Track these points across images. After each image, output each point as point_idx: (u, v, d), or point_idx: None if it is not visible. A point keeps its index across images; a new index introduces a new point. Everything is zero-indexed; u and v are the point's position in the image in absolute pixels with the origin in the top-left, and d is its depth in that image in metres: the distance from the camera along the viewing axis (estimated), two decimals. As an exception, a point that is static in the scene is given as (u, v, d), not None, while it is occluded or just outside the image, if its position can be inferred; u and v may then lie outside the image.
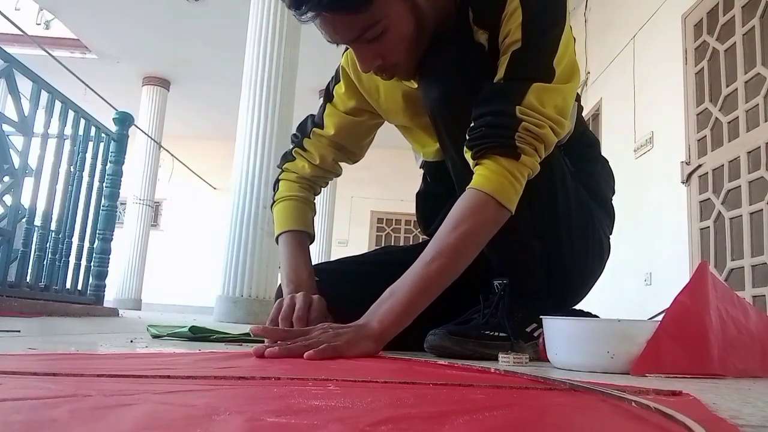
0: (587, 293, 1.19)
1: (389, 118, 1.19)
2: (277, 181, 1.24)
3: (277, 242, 1.18)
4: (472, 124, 0.91)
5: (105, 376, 0.49)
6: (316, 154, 1.19)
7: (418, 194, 1.32)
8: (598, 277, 1.18)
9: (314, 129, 1.20)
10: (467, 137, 0.91)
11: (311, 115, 1.23)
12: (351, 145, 1.21)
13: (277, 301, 1.03)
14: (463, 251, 0.89)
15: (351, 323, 0.87)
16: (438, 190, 1.26)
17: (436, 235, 0.90)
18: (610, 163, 1.23)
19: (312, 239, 1.19)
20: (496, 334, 1.00)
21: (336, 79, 1.19)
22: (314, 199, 1.23)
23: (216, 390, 0.45)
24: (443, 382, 0.53)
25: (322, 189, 1.28)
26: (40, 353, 0.76)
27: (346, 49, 1.15)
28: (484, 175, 0.89)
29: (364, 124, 1.20)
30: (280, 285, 1.20)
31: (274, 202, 1.22)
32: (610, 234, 1.19)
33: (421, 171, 1.29)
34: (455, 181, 1.05)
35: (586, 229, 1.09)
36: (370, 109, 1.19)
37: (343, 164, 1.25)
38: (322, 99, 1.23)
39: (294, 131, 1.25)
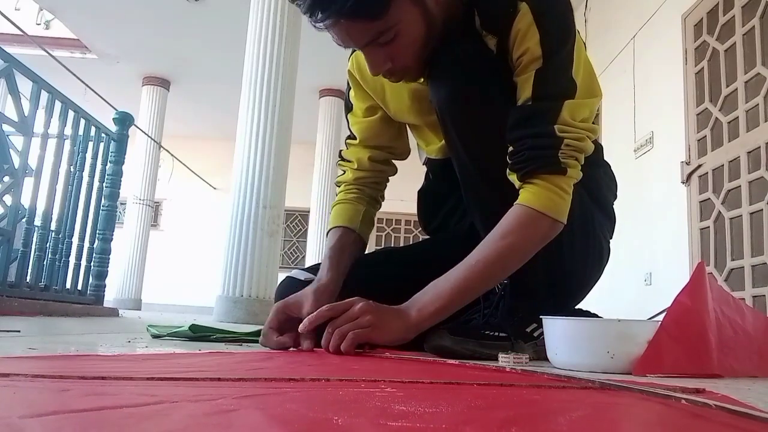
0: (584, 297, 1.19)
1: (396, 117, 1.20)
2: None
3: None
4: (512, 148, 0.94)
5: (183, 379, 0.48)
6: (353, 159, 1.22)
7: (420, 191, 1.33)
8: (596, 281, 1.18)
9: (347, 141, 1.25)
10: (509, 161, 0.94)
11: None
12: (382, 141, 1.23)
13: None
14: (507, 261, 0.93)
15: (392, 306, 0.91)
16: (440, 188, 1.27)
17: (484, 242, 0.93)
18: (611, 165, 1.24)
19: (355, 229, 1.18)
20: (496, 334, 1.00)
21: (348, 87, 1.22)
22: (368, 197, 1.23)
23: (281, 394, 0.43)
24: (484, 383, 0.53)
25: (380, 191, 1.26)
26: (64, 355, 0.75)
27: (352, 52, 1.15)
28: (534, 192, 0.92)
29: (384, 119, 1.21)
30: (279, 284, 1.21)
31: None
32: (610, 238, 1.19)
33: (424, 168, 1.30)
34: (460, 180, 1.06)
35: (586, 231, 1.09)
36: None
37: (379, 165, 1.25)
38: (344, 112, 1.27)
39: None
